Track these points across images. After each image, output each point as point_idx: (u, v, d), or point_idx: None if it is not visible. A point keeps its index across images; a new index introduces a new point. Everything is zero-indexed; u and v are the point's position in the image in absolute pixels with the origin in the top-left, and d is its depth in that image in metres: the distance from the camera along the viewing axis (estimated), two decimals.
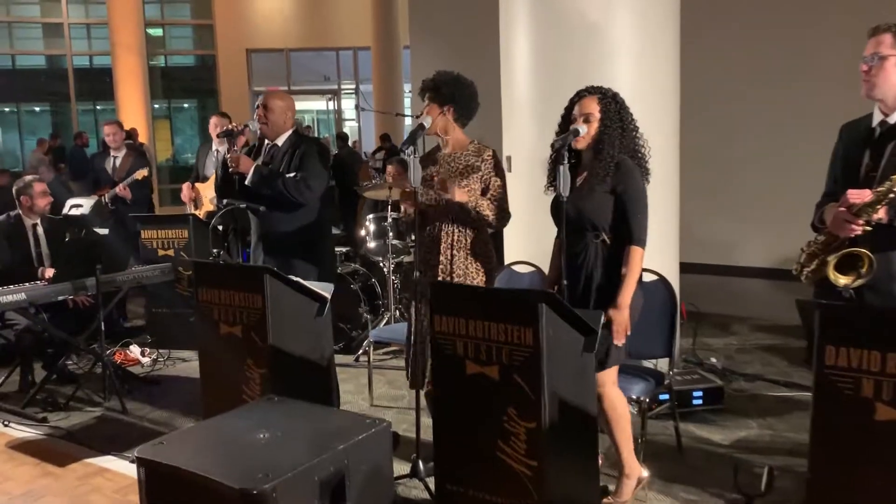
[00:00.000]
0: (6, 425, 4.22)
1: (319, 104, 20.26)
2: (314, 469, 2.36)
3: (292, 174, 3.69)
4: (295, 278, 3.17)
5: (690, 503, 3.14)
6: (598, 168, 2.86)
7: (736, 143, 7.35)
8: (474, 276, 3.21)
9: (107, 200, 6.01)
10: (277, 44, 18.11)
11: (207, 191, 5.92)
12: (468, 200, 3.17)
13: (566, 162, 2.81)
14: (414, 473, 3.22)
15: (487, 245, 3.32)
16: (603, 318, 2.65)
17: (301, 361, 3.23)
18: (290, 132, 3.87)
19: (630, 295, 2.79)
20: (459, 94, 3.28)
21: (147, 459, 2.43)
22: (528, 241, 4.33)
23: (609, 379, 2.86)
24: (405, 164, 3.39)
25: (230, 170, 3.77)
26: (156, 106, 18.07)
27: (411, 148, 3.08)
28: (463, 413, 2.64)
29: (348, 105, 19.93)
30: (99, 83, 18.06)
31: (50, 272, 4.64)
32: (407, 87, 16.30)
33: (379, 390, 4.61)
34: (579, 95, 2.99)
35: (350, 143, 14.10)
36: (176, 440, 2.63)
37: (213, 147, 6.04)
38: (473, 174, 3.26)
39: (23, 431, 4.14)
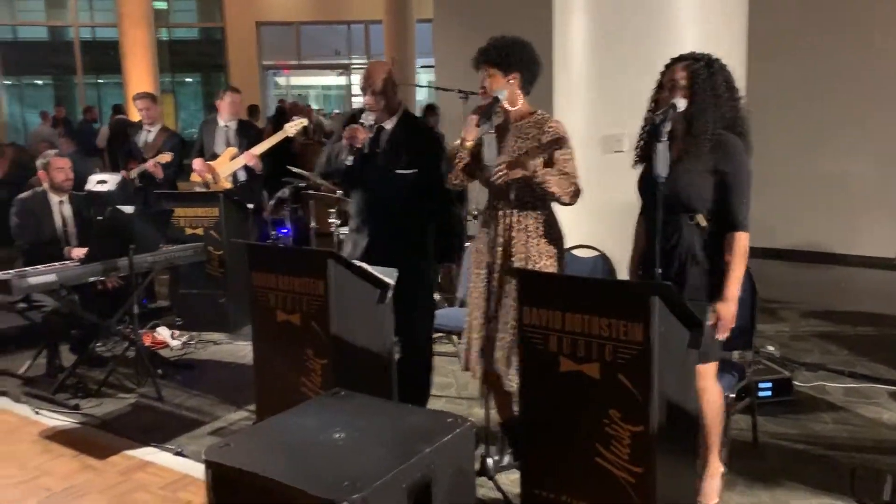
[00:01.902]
0: (38, 413, 4.02)
1: (329, 79, 19.91)
2: (402, 475, 2.14)
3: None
4: (359, 263, 2.94)
5: None
6: (693, 144, 2.61)
7: (796, 121, 7.03)
8: (536, 259, 2.94)
9: (135, 176, 5.75)
10: (288, 16, 17.73)
11: (222, 167, 5.68)
12: (532, 175, 2.87)
13: (664, 139, 2.56)
14: (483, 472, 3.03)
15: (554, 226, 3.04)
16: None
17: (363, 352, 3.01)
18: (400, 114, 3.45)
19: (738, 286, 2.57)
20: (523, 59, 3.00)
21: (216, 463, 2.22)
22: (586, 224, 4.10)
23: (710, 373, 2.65)
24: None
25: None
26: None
27: (488, 124, 2.84)
28: (555, 414, 2.43)
29: (358, 80, 19.57)
30: (103, 56, 17.70)
31: (77, 251, 4.42)
32: (419, 62, 15.96)
33: None
34: (669, 64, 2.73)
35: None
36: (244, 440, 2.41)
37: (221, 123, 5.77)
38: (535, 149, 2.97)
39: (55, 420, 3.94)
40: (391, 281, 3.05)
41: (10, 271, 3.95)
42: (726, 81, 2.65)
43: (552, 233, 3.02)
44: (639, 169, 2.88)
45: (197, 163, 5.67)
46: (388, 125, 3.44)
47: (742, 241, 2.59)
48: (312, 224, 6.25)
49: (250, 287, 3.13)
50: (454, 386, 4.29)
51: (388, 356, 3.16)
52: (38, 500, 3.13)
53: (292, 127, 5.57)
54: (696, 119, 2.60)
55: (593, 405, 2.33)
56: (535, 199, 2.97)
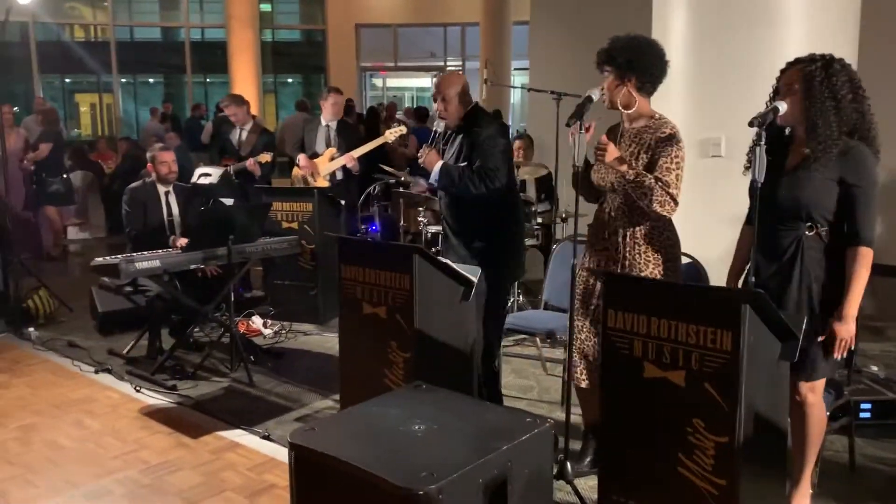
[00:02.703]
0: (138, 391, 4.25)
1: (424, 81, 20.14)
2: (478, 470, 2.16)
3: (466, 164, 3.43)
4: (444, 260, 2.98)
5: None
6: (819, 151, 2.49)
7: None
8: (643, 267, 2.88)
9: (231, 172, 6.00)
10: (386, 19, 18.04)
11: (322, 166, 5.85)
12: (626, 171, 2.81)
13: (763, 143, 2.46)
14: (561, 475, 3.01)
15: (664, 233, 2.95)
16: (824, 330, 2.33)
17: (445, 348, 3.05)
18: (466, 113, 3.54)
19: (857, 304, 2.45)
20: (640, 61, 2.93)
21: (300, 445, 2.29)
22: (683, 231, 4.02)
23: (819, 389, 2.54)
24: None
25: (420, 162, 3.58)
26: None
27: (577, 123, 2.82)
28: (637, 420, 2.39)
29: None
30: (210, 56, 18.48)
31: (181, 241, 4.64)
32: (515, 64, 15.93)
33: (505, 378, 4.40)
34: (785, 69, 2.63)
35: None
36: (327, 426, 2.49)
37: (324, 122, 5.95)
38: (644, 154, 2.92)
39: (154, 398, 4.16)
40: (475, 279, 3.08)
41: (119, 256, 4.20)
42: (850, 82, 2.50)
43: (662, 239, 2.93)
44: (740, 172, 2.80)
45: (302, 158, 5.87)
46: (456, 128, 3.56)
47: (867, 257, 2.46)
48: (401, 222, 6.35)
49: (339, 279, 3.21)
50: (535, 389, 4.27)
51: (471, 353, 3.19)
52: (136, 471, 3.31)
53: (392, 134, 5.69)
54: (817, 124, 2.48)
55: (677, 413, 2.28)
56: (639, 203, 2.90)
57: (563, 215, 5.47)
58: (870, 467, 3.30)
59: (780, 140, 2.68)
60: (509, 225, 3.57)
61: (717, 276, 4.05)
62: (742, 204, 3.73)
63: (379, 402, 2.59)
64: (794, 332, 2.25)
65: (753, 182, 2.54)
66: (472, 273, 3.07)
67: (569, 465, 3.02)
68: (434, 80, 3.68)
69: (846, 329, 2.44)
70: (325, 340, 5.20)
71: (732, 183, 3.03)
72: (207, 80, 19.92)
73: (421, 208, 5.87)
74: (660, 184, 2.82)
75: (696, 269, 3.68)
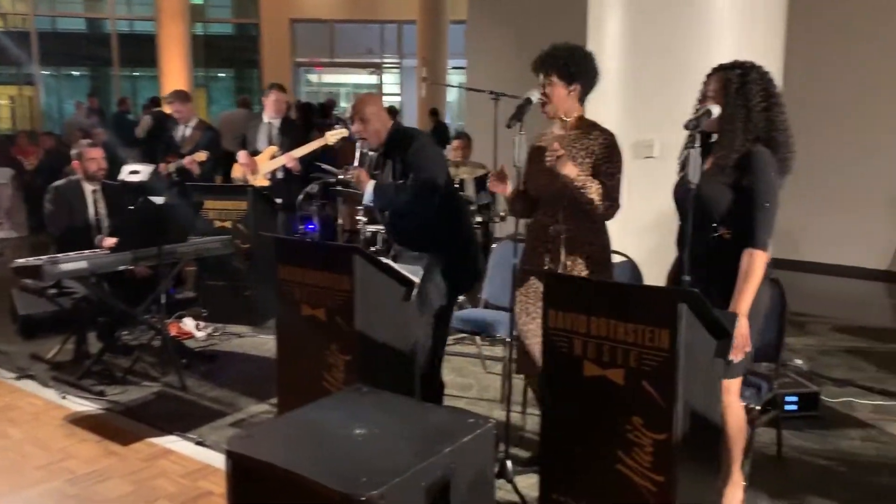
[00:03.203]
0: (64, 398, 4.08)
1: (360, 77, 20.00)
2: (421, 474, 2.14)
3: (402, 181, 3.39)
4: (386, 260, 2.95)
5: None
6: (721, 157, 2.57)
7: (836, 131, 6.89)
8: (582, 269, 2.92)
9: (172, 170, 5.83)
10: (322, 14, 17.85)
11: (261, 165, 5.74)
12: (576, 177, 2.84)
13: (697, 145, 2.52)
14: (501, 474, 3.02)
15: (599, 234, 3.01)
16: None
17: (386, 349, 3.02)
18: (389, 133, 3.50)
19: (746, 304, 2.50)
20: (586, 70, 2.98)
21: (237, 453, 2.23)
22: (613, 230, 4.08)
23: (734, 389, 2.61)
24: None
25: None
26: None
27: (518, 124, 2.83)
28: (577, 418, 2.41)
29: (389, 79, 19.64)
30: (138, 49, 17.94)
31: (109, 241, 4.47)
32: (451, 63, 15.96)
33: (445, 377, 4.39)
34: (709, 73, 2.70)
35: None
36: (265, 432, 2.44)
37: (266, 120, 5.84)
38: (585, 159, 2.95)
39: (80, 405, 4.00)
40: (416, 279, 3.06)
41: (43, 257, 4.01)
42: (764, 90, 2.57)
43: (598, 240, 3.00)
44: (674, 173, 2.86)
45: (242, 155, 5.75)
46: (380, 148, 3.52)
47: (758, 261, 2.50)
48: (339, 221, 6.29)
49: (276, 280, 3.15)
50: (475, 387, 4.28)
51: (412, 354, 3.17)
52: (62, 482, 3.17)
53: (333, 136, 5.61)
54: (724, 130, 2.57)
55: (616, 411, 2.31)
56: (582, 207, 2.93)
57: (502, 214, 5.50)
58: (796, 458, 3.42)
59: (704, 145, 2.74)
60: (456, 233, 3.56)
61: (651, 275, 4.14)
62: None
63: (318, 406, 2.55)
64: (728, 330, 2.31)
65: (683, 184, 2.60)
66: (414, 273, 3.05)
67: (509, 464, 3.03)
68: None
69: (737, 329, 2.45)
70: (261, 342, 5.10)
71: (666, 184, 3.09)
72: (135, 73, 19.32)
73: (360, 207, 5.81)
74: (606, 188, 2.87)
75: (631, 268, 3.74)
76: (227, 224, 5.49)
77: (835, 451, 3.50)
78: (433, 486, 2.19)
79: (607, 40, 4.35)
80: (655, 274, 4.15)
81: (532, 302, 3.01)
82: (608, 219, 2.97)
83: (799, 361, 4.59)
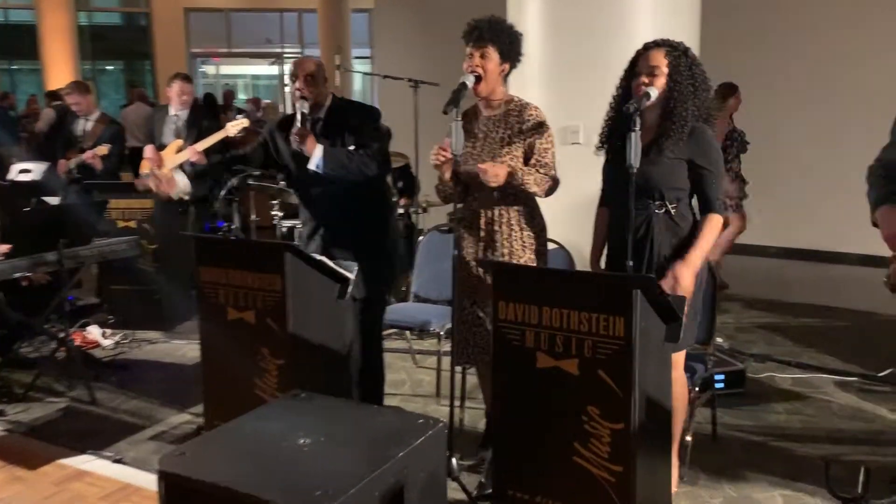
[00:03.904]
0: None
1: (260, 69, 19.38)
2: (375, 482, 2.02)
3: (353, 148, 3.16)
4: (319, 256, 2.79)
5: (745, 500, 2.93)
6: (671, 131, 2.57)
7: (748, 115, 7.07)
8: (520, 254, 2.84)
9: (73, 166, 5.40)
10: (217, 3, 17.17)
11: (167, 159, 5.41)
12: (513, 176, 2.75)
13: (637, 128, 2.49)
14: (448, 472, 2.92)
15: (534, 218, 2.94)
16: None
17: (322, 350, 2.86)
18: (329, 100, 3.29)
19: (702, 256, 2.57)
20: (517, 52, 2.88)
21: (171, 473, 2.04)
22: (551, 220, 4.05)
23: (679, 362, 2.61)
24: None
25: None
26: None
27: (455, 110, 2.72)
28: (531, 412, 2.34)
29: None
30: (17, 40, 16.76)
31: (2, 247, 4.09)
32: (355, 52, 15.70)
33: None
34: (645, 48, 2.67)
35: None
36: (200, 448, 2.23)
37: (171, 112, 5.52)
38: (516, 139, 2.87)
39: None
40: (351, 276, 2.91)
41: None
42: (702, 72, 2.63)
43: (534, 224, 2.92)
44: (601, 158, 2.83)
45: (148, 150, 5.38)
46: (321, 114, 3.27)
47: (717, 221, 2.62)
48: (253, 217, 6.01)
49: (197, 283, 2.93)
50: (408, 383, 4.17)
51: (348, 354, 3.02)
52: None
53: (234, 127, 5.31)
54: (676, 108, 2.56)
55: (572, 402, 2.25)
56: (516, 191, 2.85)
57: (424, 205, 5.39)
58: (729, 436, 3.48)
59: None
60: (387, 220, 3.43)
61: (583, 261, 4.13)
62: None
63: (256, 416, 2.37)
64: (678, 314, 2.28)
65: (612, 165, 2.58)
66: (348, 269, 2.90)
67: (454, 461, 2.94)
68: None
69: (685, 272, 2.52)
70: (175, 348, 4.81)
71: (592, 169, 3.05)
72: (13, 66, 18.06)
73: (275, 201, 5.57)
74: (542, 170, 2.82)
75: (563, 254, 3.71)
76: (132, 224, 5.15)
77: (765, 426, 3.58)
78: (387, 493, 2.07)
79: (529, 25, 4.29)
80: (587, 259, 4.16)
81: (473, 292, 2.93)
82: (550, 194, 2.89)
83: (720, 339, 4.70)
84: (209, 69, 19.49)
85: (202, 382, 3.00)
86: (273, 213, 5.58)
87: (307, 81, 3.16)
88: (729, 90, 5.71)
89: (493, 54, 2.83)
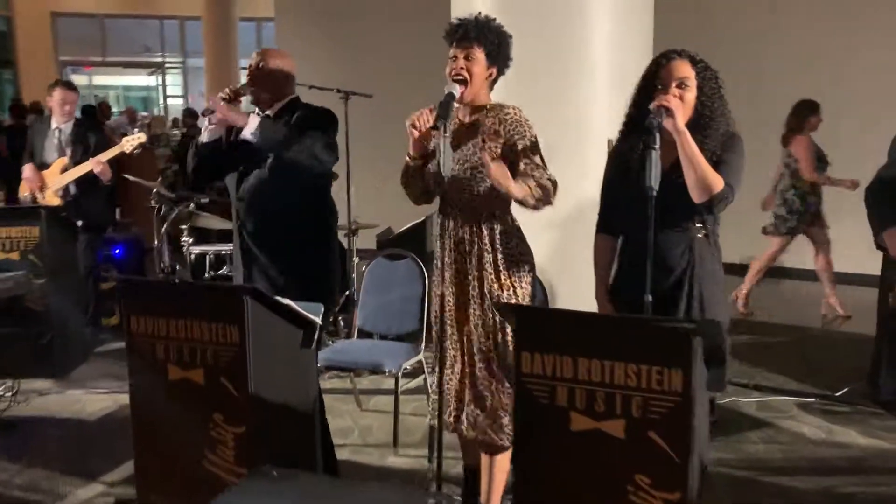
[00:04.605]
0: None
1: (138, 79, 18.15)
2: None
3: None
4: (285, 301, 2.31)
5: None
6: (704, 146, 2.29)
7: None
8: (508, 285, 2.49)
9: None
10: (90, 7, 15.89)
11: (52, 179, 4.73)
12: (520, 192, 2.39)
13: (656, 146, 2.19)
14: None
15: (523, 240, 2.60)
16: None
17: (286, 412, 2.38)
18: (286, 101, 2.90)
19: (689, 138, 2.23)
20: (506, 52, 2.54)
21: None
22: None
23: None
24: None
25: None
26: None
27: (444, 124, 2.33)
28: (564, 483, 1.98)
29: (172, 80, 17.98)
30: None
31: None
32: (242, 63, 14.92)
33: None
34: (666, 58, 2.37)
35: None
36: None
37: (53, 125, 4.83)
38: (492, 140, 2.49)
39: None
40: (318, 320, 2.46)
41: None
42: (721, 86, 2.38)
43: (522, 247, 2.57)
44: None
45: (27, 169, 4.66)
46: (270, 112, 2.87)
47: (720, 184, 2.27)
48: (156, 243, 5.35)
49: (127, 335, 2.39)
50: (356, 431, 3.70)
51: (314, 412, 2.55)
52: None
53: (129, 142, 4.69)
54: (713, 122, 2.32)
55: (616, 470, 1.90)
56: (502, 206, 2.51)
57: (355, 227, 4.93)
58: (715, 472, 3.21)
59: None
60: (328, 237, 3.01)
61: (557, 295, 3.81)
62: (567, 209, 3.48)
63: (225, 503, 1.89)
64: (724, 357, 2.00)
65: (628, 186, 2.28)
66: (314, 312, 2.44)
67: None
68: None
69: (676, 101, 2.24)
70: (71, 400, 4.13)
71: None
72: None
73: (184, 226, 4.96)
74: (537, 172, 2.45)
75: (539, 287, 3.38)
76: (15, 255, 4.41)
77: (747, 459, 3.39)
78: None
79: None
80: (555, 283, 3.85)
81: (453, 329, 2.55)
82: (551, 202, 2.52)
83: None
84: (80, 79, 18.04)
85: (135, 457, 2.44)
86: (184, 239, 4.97)
87: (260, 70, 2.81)
88: (810, 109, 5.42)
89: (479, 56, 2.48)
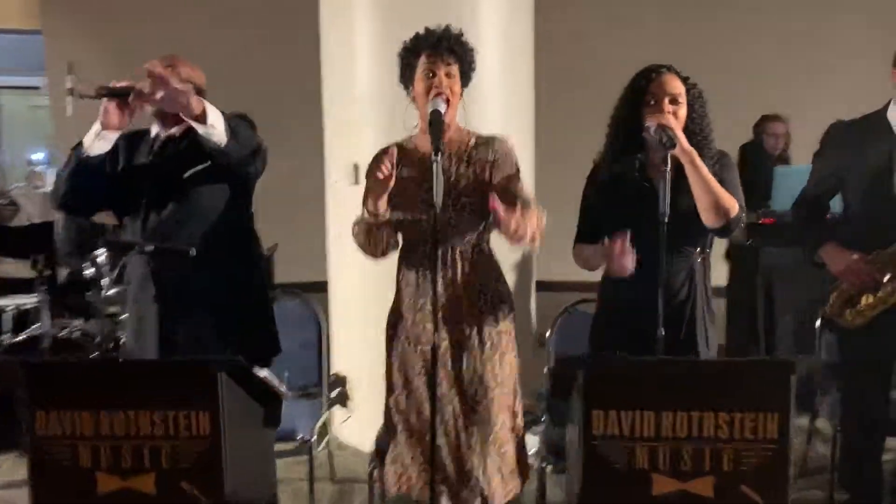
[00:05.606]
0: None
1: None
2: None
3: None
4: (263, 372, 1.81)
5: None
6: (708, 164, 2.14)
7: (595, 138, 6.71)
8: (493, 323, 2.21)
9: None
10: None
11: None
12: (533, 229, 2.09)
13: (668, 167, 2.01)
14: None
15: (500, 272, 2.31)
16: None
17: None
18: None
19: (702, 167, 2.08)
20: (473, 70, 2.24)
21: None
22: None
23: None
24: None
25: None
26: None
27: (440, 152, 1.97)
28: None
29: None
30: None
31: None
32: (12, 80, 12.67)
33: None
34: (655, 72, 2.17)
35: None
36: None
37: None
38: (473, 172, 2.21)
39: None
40: (284, 389, 1.97)
41: None
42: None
43: (505, 291, 2.28)
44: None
45: None
46: (176, 130, 2.26)
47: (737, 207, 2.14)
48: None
49: (32, 439, 1.72)
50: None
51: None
52: None
53: None
54: (702, 142, 2.16)
55: None
56: (481, 239, 2.22)
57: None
58: None
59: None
60: (261, 261, 2.54)
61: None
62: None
63: None
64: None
65: (628, 210, 2.13)
66: (275, 380, 1.96)
67: None
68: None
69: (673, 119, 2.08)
70: None
71: None
72: None
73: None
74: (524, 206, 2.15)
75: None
76: None
77: None
78: None
79: (358, 52, 3.57)
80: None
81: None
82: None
83: None
84: None
85: None
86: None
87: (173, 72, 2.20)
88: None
89: (457, 74, 2.18)
